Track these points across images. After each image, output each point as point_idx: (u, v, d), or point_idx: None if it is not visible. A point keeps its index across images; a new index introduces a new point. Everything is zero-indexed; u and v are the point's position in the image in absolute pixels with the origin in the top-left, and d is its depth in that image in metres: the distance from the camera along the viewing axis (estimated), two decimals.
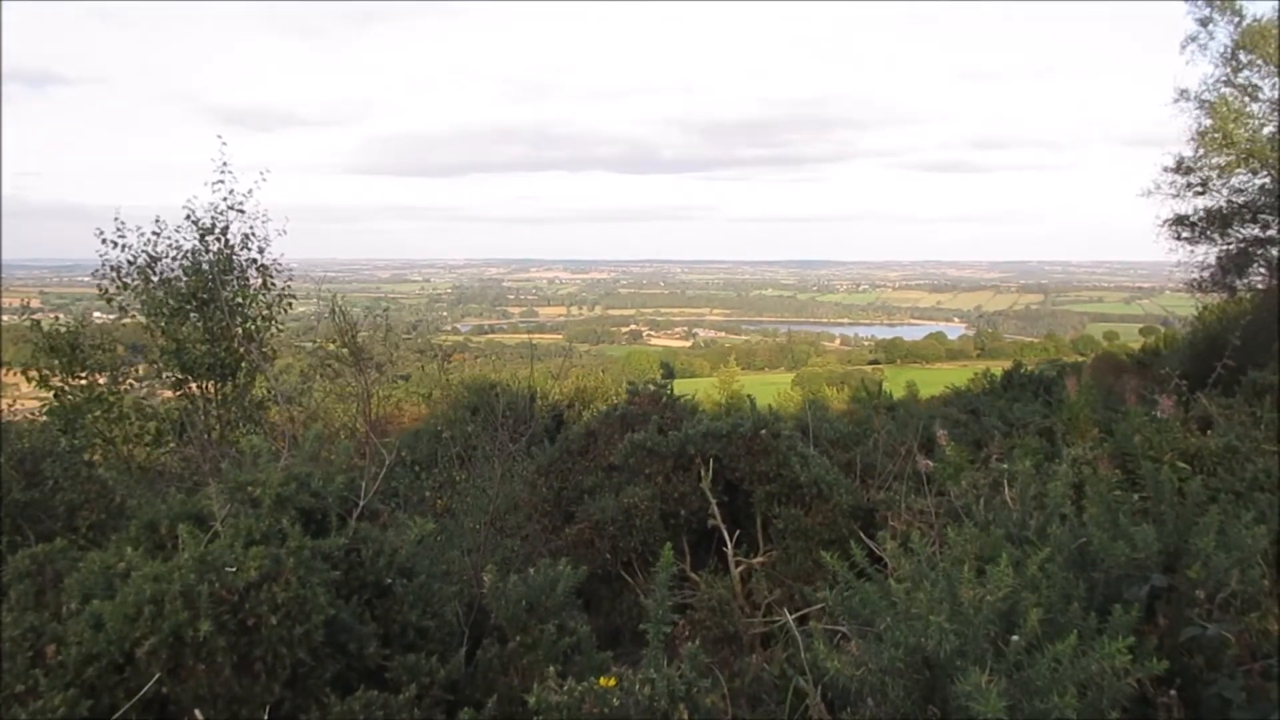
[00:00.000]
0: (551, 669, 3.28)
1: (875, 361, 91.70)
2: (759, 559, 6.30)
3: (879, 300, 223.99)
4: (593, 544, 6.33)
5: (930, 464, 6.15)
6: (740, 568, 6.16)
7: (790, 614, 4.23)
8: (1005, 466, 5.12)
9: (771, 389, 45.42)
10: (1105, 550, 3.61)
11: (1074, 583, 3.42)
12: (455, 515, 7.98)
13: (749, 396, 7.76)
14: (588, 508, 6.56)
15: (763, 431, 6.54)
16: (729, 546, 6.11)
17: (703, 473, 6.16)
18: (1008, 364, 18.90)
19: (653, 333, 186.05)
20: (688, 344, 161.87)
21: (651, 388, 7.81)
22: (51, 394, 10.26)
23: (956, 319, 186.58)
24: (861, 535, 5.09)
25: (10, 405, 10.01)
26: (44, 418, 10.06)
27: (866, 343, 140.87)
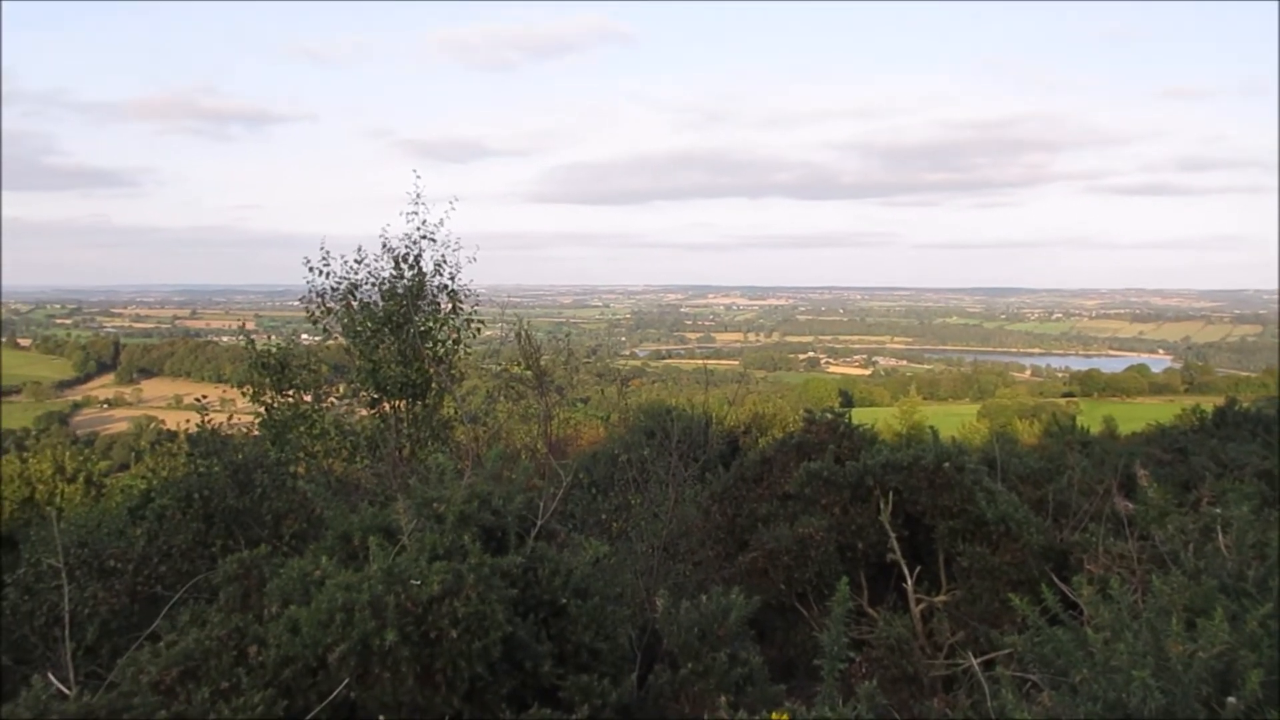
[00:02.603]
0: (724, 698, 3.24)
1: (1069, 394, 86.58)
2: (941, 597, 6.04)
3: (1073, 330, 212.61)
4: (766, 573, 6.24)
5: (1131, 506, 5.75)
6: (921, 605, 5.93)
7: (975, 657, 4.02)
8: (1218, 511, 4.71)
9: (955, 420, 43.78)
10: None
11: None
12: (629, 538, 8.05)
13: (931, 428, 7.47)
14: (762, 536, 6.47)
15: (946, 464, 6.29)
16: (909, 582, 5.89)
17: (882, 505, 5.98)
18: (1220, 400, 17.46)
19: (831, 360, 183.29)
20: (867, 372, 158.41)
21: (829, 416, 7.66)
22: (262, 409, 11.10)
23: (1161, 350, 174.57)
24: (1054, 578, 4.80)
25: (229, 418, 10.89)
26: (257, 431, 10.88)
27: (1059, 374, 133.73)
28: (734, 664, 3.79)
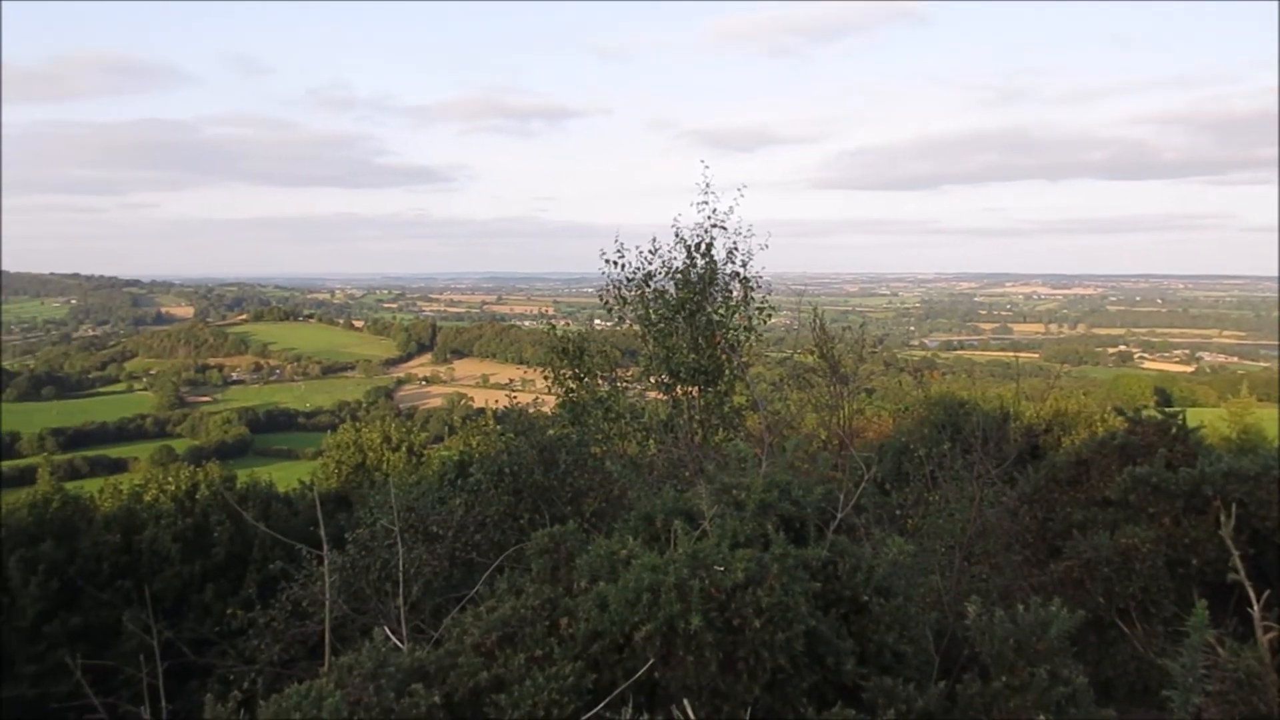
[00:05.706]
0: (1042, 718, 2.99)
1: None
2: None
3: None
4: (1082, 584, 5.74)
5: None
6: (1270, 635, 5.22)
7: None
8: None
9: None
10: None
11: None
12: (921, 536, 7.72)
13: None
14: (1078, 544, 5.96)
15: None
16: (1255, 608, 5.20)
17: (1222, 518, 5.32)
18: None
19: (1146, 355, 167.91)
20: (1189, 369, 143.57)
21: (1157, 416, 6.93)
22: (564, 391, 11.74)
23: None
24: None
25: (534, 400, 11.65)
26: (558, 412, 11.53)
27: None
28: (1054, 682, 3.49)
